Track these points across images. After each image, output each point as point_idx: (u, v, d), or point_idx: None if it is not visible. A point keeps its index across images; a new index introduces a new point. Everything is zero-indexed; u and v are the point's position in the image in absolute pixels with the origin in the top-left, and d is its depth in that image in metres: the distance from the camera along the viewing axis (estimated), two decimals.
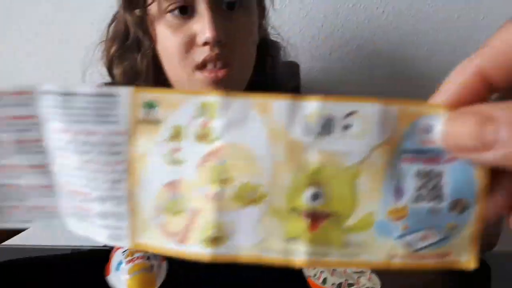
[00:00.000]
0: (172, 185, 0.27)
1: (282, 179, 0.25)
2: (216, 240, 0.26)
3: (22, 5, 0.96)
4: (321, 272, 0.53)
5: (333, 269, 0.54)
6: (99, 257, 0.59)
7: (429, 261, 0.26)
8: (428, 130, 0.25)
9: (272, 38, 0.77)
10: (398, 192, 0.25)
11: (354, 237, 0.26)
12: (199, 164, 0.26)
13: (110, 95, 0.26)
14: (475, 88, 0.23)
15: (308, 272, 0.54)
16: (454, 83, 0.23)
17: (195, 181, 0.26)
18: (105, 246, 0.80)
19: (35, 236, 0.65)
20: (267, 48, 0.74)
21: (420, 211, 0.25)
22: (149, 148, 0.27)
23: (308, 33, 0.95)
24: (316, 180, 0.25)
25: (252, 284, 0.57)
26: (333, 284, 0.52)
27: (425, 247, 0.25)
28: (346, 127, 0.25)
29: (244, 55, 0.64)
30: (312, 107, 0.25)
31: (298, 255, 0.25)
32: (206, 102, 0.26)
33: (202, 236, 0.26)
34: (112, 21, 0.70)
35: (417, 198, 0.25)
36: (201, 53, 0.60)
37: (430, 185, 0.25)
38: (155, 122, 0.26)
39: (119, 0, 0.67)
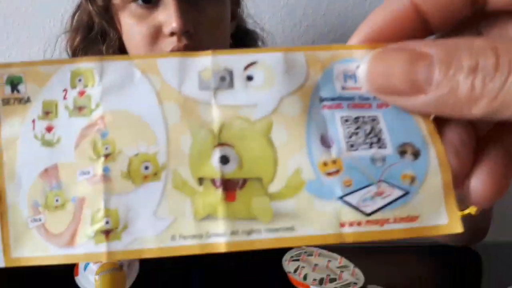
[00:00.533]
0: (47, 173, 0.22)
1: (181, 144, 0.21)
2: (110, 232, 0.21)
3: None
4: (302, 267, 0.51)
5: (314, 264, 0.51)
6: None
7: (393, 228, 0.20)
8: (347, 75, 0.21)
9: (249, 27, 0.74)
10: (325, 141, 0.21)
11: (283, 205, 0.21)
12: (77, 141, 0.22)
13: None
14: (406, 24, 0.19)
15: (288, 268, 0.51)
16: (380, 18, 0.20)
17: (74, 164, 0.22)
18: None
19: None
20: (243, 38, 0.72)
21: (360, 161, 0.21)
22: (18, 132, 0.22)
23: (289, 21, 0.92)
24: (222, 140, 0.21)
25: (229, 282, 0.54)
26: (314, 280, 0.49)
27: (381, 207, 0.20)
28: (248, 79, 0.21)
29: (215, 46, 0.61)
30: (205, 62, 0.21)
31: (217, 237, 0.20)
32: (80, 69, 0.22)
33: (91, 231, 0.21)
34: (76, 10, 0.68)
35: (352, 146, 0.21)
36: (169, 44, 0.58)
37: (364, 131, 0.21)
38: (23, 100, 0.22)
39: None
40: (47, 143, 0.22)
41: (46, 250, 0.22)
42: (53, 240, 0.22)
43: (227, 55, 0.21)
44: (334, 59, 0.21)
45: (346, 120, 0.21)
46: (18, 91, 0.22)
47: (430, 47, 0.18)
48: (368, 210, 0.21)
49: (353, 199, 0.21)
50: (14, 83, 0.22)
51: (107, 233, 0.21)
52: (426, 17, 0.19)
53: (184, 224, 0.21)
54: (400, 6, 0.19)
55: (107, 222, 0.21)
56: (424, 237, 0.20)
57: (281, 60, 0.21)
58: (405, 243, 0.39)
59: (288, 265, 0.52)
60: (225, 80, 0.22)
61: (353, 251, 0.54)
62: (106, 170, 0.21)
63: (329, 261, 0.52)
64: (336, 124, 0.21)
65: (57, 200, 0.22)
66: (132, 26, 0.60)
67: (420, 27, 0.19)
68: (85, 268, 0.51)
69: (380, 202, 0.20)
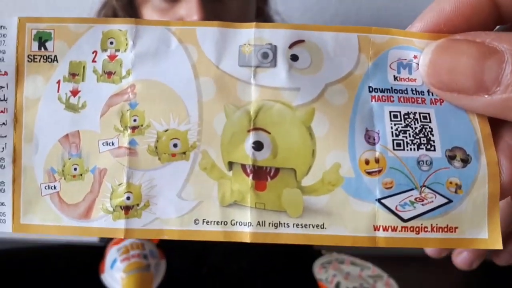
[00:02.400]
0: (68, 139, 0.21)
1: (214, 123, 0.20)
2: (130, 209, 0.20)
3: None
4: (334, 275, 0.49)
5: (346, 272, 0.50)
6: (93, 254, 0.55)
7: (430, 237, 0.19)
8: (402, 64, 0.19)
9: None
10: (370, 137, 0.19)
11: (316, 201, 0.19)
12: (103, 110, 0.20)
13: None
14: (478, 12, 0.17)
15: (319, 275, 0.50)
16: (449, 4, 0.18)
17: (97, 133, 0.20)
18: (101, 240, 0.77)
19: None
20: None
21: (405, 162, 0.19)
22: (41, 92, 0.21)
23: (319, 20, 0.91)
24: (257, 125, 0.20)
25: (257, 286, 0.53)
26: None
27: (420, 214, 0.19)
28: (293, 58, 0.20)
29: None
30: (247, 34, 0.20)
31: (242, 226, 0.19)
32: (112, 31, 0.20)
33: (111, 205, 0.20)
34: (102, 7, 0.68)
35: (398, 145, 0.19)
36: None
37: (414, 129, 0.19)
38: (50, 58, 0.21)
39: None
40: (71, 107, 0.21)
41: (58, 220, 0.21)
42: (66, 211, 0.21)
43: (272, 29, 0.20)
44: (390, 45, 0.20)
45: (395, 116, 0.20)
46: (46, 48, 0.21)
47: (501, 41, 0.16)
48: (406, 216, 0.19)
49: (391, 202, 0.19)
50: (42, 40, 0.21)
51: (127, 209, 0.20)
52: (501, 8, 0.17)
53: (209, 208, 0.20)
54: None
55: (128, 198, 0.20)
56: (460, 248, 0.19)
57: (331, 41, 0.20)
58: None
59: (319, 272, 0.50)
60: (268, 57, 0.20)
61: (386, 260, 0.53)
62: (132, 143, 0.20)
63: (362, 269, 0.51)
64: (384, 118, 0.20)
65: (75, 169, 0.21)
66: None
67: (492, 18, 0.18)
68: (111, 266, 0.50)
69: (420, 209, 0.19)
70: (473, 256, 0.33)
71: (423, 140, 0.19)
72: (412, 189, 0.19)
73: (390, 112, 0.20)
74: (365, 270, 0.51)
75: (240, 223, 0.20)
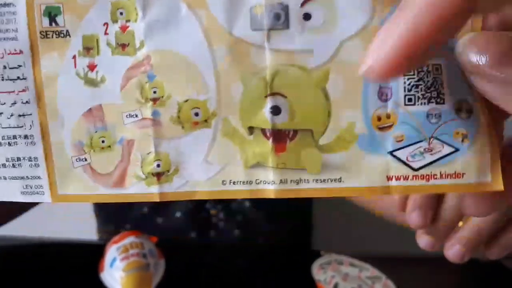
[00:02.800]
0: (92, 113, 0.21)
1: (231, 91, 0.20)
2: (161, 175, 0.21)
3: None
4: (332, 276, 0.49)
5: (345, 273, 0.50)
6: (92, 252, 0.55)
7: (439, 183, 0.20)
8: None
9: None
10: (383, 94, 0.20)
11: (333, 158, 0.21)
12: (123, 82, 0.21)
13: (5, 5, 0.21)
14: None
15: (318, 276, 0.50)
16: None
17: (120, 105, 0.21)
18: (100, 238, 0.77)
19: (19, 225, 0.62)
20: None
21: (415, 117, 0.20)
22: (59, 68, 0.21)
23: None
24: (274, 89, 0.20)
25: (256, 286, 0.53)
26: None
27: (430, 163, 0.20)
28: (305, 17, 0.20)
29: None
30: None
31: (266, 184, 0.21)
32: (121, 1, 0.20)
33: (142, 173, 0.21)
34: None
35: (410, 100, 0.20)
36: None
37: (426, 83, 0.20)
38: (62, 33, 0.21)
39: None
40: (91, 82, 0.21)
41: (94, 189, 0.22)
42: (100, 180, 0.22)
43: None
44: None
45: (409, 82, 0.20)
46: (56, 23, 0.21)
47: None
48: (417, 165, 0.20)
49: (402, 154, 0.20)
50: (52, 15, 0.21)
51: (159, 175, 0.21)
52: None
53: (234, 170, 0.21)
54: None
55: (158, 165, 0.21)
56: (466, 192, 0.21)
57: None
58: (436, 254, 0.37)
59: (318, 273, 0.51)
60: (280, 18, 0.20)
61: (384, 261, 0.53)
62: (155, 114, 0.21)
63: (360, 271, 0.51)
64: (399, 82, 0.20)
65: (103, 141, 0.22)
66: None
67: None
68: (111, 265, 0.50)
69: (429, 158, 0.20)
70: (464, 249, 0.33)
71: (434, 94, 0.20)
72: (421, 141, 0.20)
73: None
74: (363, 271, 0.51)
75: (264, 182, 0.21)
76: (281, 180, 0.21)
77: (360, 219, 0.68)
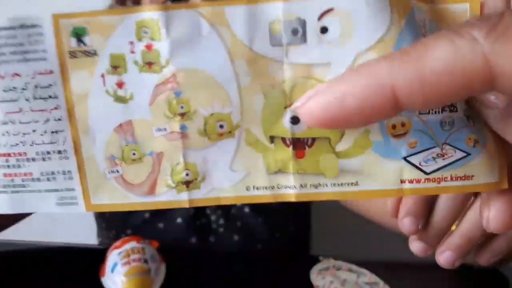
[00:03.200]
0: (122, 128, 0.22)
1: (253, 104, 0.22)
2: (190, 183, 0.23)
3: None
4: (331, 282, 0.50)
5: (343, 279, 0.51)
6: (93, 257, 0.56)
7: (449, 185, 0.21)
8: (420, 24, 0.20)
9: None
10: None
11: (349, 163, 0.22)
12: (151, 99, 0.22)
13: (31, 26, 0.21)
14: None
15: (317, 282, 0.51)
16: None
17: (149, 121, 0.22)
18: (99, 244, 0.78)
19: (19, 230, 0.62)
20: None
21: (429, 125, 0.21)
22: (88, 86, 0.22)
23: None
24: (293, 100, 0.21)
25: None
26: None
27: (442, 167, 0.21)
28: (322, 31, 0.20)
29: None
30: (276, 10, 0.20)
31: (287, 189, 0.22)
32: (144, 20, 0.21)
33: (172, 182, 0.23)
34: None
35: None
36: None
37: None
38: (90, 52, 0.22)
39: None
40: (120, 99, 0.22)
41: (126, 198, 0.23)
42: (132, 190, 0.23)
43: (299, 0, 0.20)
44: (413, 3, 0.20)
45: None
46: (84, 43, 0.22)
47: None
48: (429, 169, 0.21)
49: (416, 159, 0.21)
50: (79, 35, 0.22)
51: (188, 183, 0.23)
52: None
53: (257, 177, 0.23)
54: None
55: (187, 174, 0.23)
56: (475, 191, 0.22)
57: (363, 4, 0.20)
58: (433, 260, 0.38)
59: (316, 279, 0.51)
60: (298, 33, 0.21)
61: (382, 267, 0.53)
62: (183, 127, 0.22)
63: (358, 276, 0.51)
64: None
65: (134, 154, 0.23)
66: None
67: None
68: (112, 270, 0.51)
69: (441, 163, 0.21)
70: (455, 255, 0.34)
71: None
72: (434, 147, 0.21)
73: None
74: (361, 276, 0.51)
75: (286, 187, 0.22)
76: (301, 184, 0.22)
77: (358, 225, 0.68)
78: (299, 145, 0.22)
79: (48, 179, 0.23)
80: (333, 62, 0.21)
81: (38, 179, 0.23)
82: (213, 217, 0.73)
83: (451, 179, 0.21)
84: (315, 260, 0.54)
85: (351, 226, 0.79)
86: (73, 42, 0.22)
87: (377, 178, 0.22)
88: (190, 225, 0.72)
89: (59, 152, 0.23)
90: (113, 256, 0.51)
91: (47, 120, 0.22)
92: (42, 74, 0.22)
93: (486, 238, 0.36)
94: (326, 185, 0.22)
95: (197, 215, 0.73)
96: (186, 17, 0.21)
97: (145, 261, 0.51)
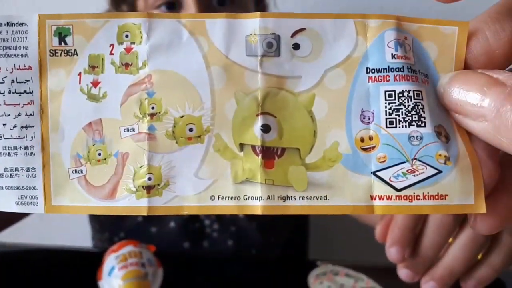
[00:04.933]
0: (91, 126, 0.22)
1: (225, 109, 0.22)
2: (151, 189, 0.22)
3: None
4: (328, 287, 0.50)
5: (341, 284, 0.51)
6: (87, 259, 0.55)
7: (422, 204, 0.21)
8: (399, 43, 0.21)
9: None
10: (365, 117, 0.21)
11: (319, 176, 0.22)
12: (123, 99, 0.22)
13: (18, 24, 0.22)
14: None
15: (314, 287, 0.51)
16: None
17: (118, 120, 0.22)
18: (93, 247, 0.77)
19: (13, 232, 0.62)
20: None
21: (397, 139, 0.21)
22: (64, 84, 0.22)
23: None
24: (265, 109, 0.22)
25: None
26: None
27: (412, 184, 0.21)
28: (295, 47, 0.21)
29: None
30: (252, 25, 0.21)
31: (254, 200, 0.22)
32: (127, 25, 0.22)
33: (134, 186, 0.22)
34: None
35: (391, 123, 0.21)
36: None
37: (407, 107, 0.21)
38: (70, 52, 0.22)
39: None
40: (93, 98, 0.22)
41: (86, 201, 0.22)
42: (93, 192, 0.22)
43: (275, 18, 0.21)
44: (385, 27, 0.21)
45: (390, 95, 0.21)
46: (65, 42, 0.22)
47: (509, 78, 0.18)
48: (399, 186, 0.21)
49: (385, 174, 0.21)
50: (62, 35, 0.22)
51: (149, 188, 0.22)
52: None
53: (223, 186, 0.22)
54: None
55: (149, 179, 0.22)
56: (450, 213, 0.22)
57: (330, 28, 0.21)
58: None
59: (314, 284, 0.51)
60: (272, 47, 0.21)
61: (379, 272, 0.54)
62: (151, 128, 0.22)
63: (356, 281, 0.52)
64: (380, 98, 0.21)
65: (99, 154, 0.22)
66: None
67: None
68: (109, 274, 0.50)
69: (412, 179, 0.21)
70: (438, 285, 0.36)
71: (415, 117, 0.21)
72: (404, 162, 0.21)
73: (386, 91, 0.21)
74: (359, 282, 0.52)
75: (252, 198, 0.22)
76: (268, 196, 0.22)
77: (355, 229, 0.68)
78: (268, 154, 0.22)
79: (11, 176, 0.23)
80: (303, 76, 0.22)
81: (2, 175, 0.23)
82: (207, 222, 0.73)
83: (424, 197, 0.21)
84: (313, 265, 0.54)
85: (348, 231, 0.79)
86: (55, 41, 0.22)
87: (347, 193, 0.22)
88: (183, 229, 0.72)
89: (26, 148, 0.22)
90: (110, 260, 0.51)
91: (19, 115, 0.22)
92: (20, 70, 0.22)
93: (472, 266, 0.37)
94: (294, 198, 0.22)
95: (191, 220, 0.73)
96: (167, 25, 0.22)
97: (143, 265, 0.51)
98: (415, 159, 0.21)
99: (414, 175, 0.21)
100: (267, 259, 0.65)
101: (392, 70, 0.21)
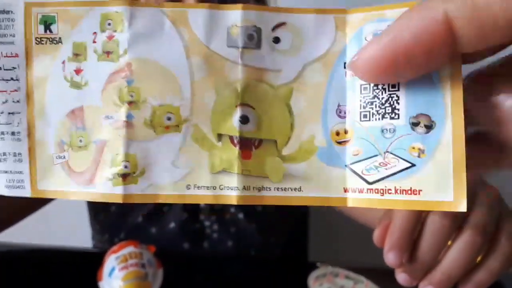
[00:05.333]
0: (74, 114, 0.23)
1: (204, 100, 0.22)
2: (127, 176, 0.22)
3: None
4: None
5: (340, 286, 0.51)
6: (89, 259, 0.55)
7: (394, 198, 0.20)
8: (379, 33, 0.20)
9: None
10: (341, 111, 0.22)
11: (295, 168, 0.22)
12: (104, 86, 0.22)
13: (4, 12, 0.22)
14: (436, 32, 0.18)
15: None
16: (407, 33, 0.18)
17: (99, 108, 0.22)
18: (95, 246, 0.77)
19: (13, 232, 0.62)
20: None
21: (370, 132, 0.21)
22: (48, 71, 0.23)
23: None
24: (244, 100, 0.22)
25: None
26: None
27: (384, 178, 0.20)
28: (275, 41, 0.22)
29: None
30: (234, 17, 0.22)
31: (229, 190, 0.22)
32: (110, 13, 0.22)
33: (110, 173, 0.22)
34: None
35: (365, 116, 0.21)
36: None
37: (381, 99, 0.21)
38: (55, 40, 0.23)
39: None
40: (76, 85, 0.23)
41: (68, 185, 0.23)
42: (75, 178, 0.23)
43: (257, 11, 0.22)
44: (365, 20, 0.21)
45: (365, 88, 0.21)
46: (50, 30, 0.23)
47: None
48: (371, 179, 0.21)
49: (358, 167, 0.21)
50: (47, 23, 0.23)
51: (125, 176, 0.22)
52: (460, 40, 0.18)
53: (199, 175, 0.22)
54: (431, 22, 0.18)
55: (125, 166, 0.22)
56: (425, 210, 0.21)
57: (311, 23, 0.22)
58: None
59: (314, 285, 0.52)
60: (253, 39, 0.22)
61: (379, 274, 0.54)
62: (129, 116, 0.22)
63: (355, 283, 0.52)
64: (355, 92, 0.21)
65: (80, 141, 0.23)
66: None
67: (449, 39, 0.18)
68: (110, 274, 0.50)
69: (383, 173, 0.21)
70: None
71: (388, 110, 0.21)
72: (376, 155, 0.21)
73: (361, 85, 0.21)
74: (358, 284, 0.52)
75: (228, 188, 0.22)
76: (244, 186, 0.22)
77: (355, 231, 0.69)
78: (246, 145, 0.22)
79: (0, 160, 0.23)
80: (283, 69, 0.22)
81: None
82: (207, 223, 0.73)
83: (396, 191, 0.20)
84: (312, 267, 0.55)
85: (348, 233, 0.79)
86: (41, 29, 0.23)
87: (321, 185, 0.22)
88: (183, 230, 0.72)
89: (13, 133, 0.23)
90: (111, 261, 0.51)
91: (6, 101, 0.23)
92: (7, 57, 0.23)
93: (470, 270, 0.37)
94: (270, 189, 0.22)
95: (191, 220, 0.73)
96: (149, 14, 0.22)
97: (143, 265, 0.51)
98: (388, 152, 0.21)
99: (386, 168, 0.21)
100: (266, 260, 0.65)
101: None
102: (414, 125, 0.20)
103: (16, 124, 0.23)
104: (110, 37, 0.22)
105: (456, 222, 0.36)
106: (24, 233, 0.65)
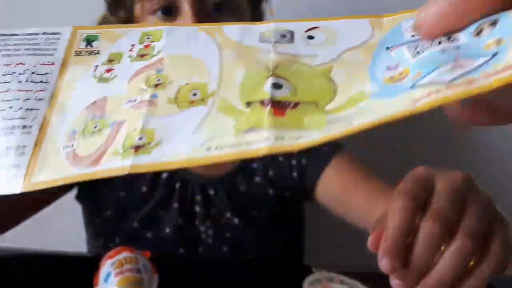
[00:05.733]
0: (95, 104, 0.23)
1: (233, 76, 0.22)
2: (140, 147, 0.21)
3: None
4: None
5: None
6: (84, 264, 0.55)
7: (454, 91, 0.16)
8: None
9: None
10: (391, 68, 0.20)
11: (341, 115, 0.19)
12: (131, 77, 0.23)
13: (52, 33, 0.24)
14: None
15: None
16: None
17: (122, 96, 0.23)
18: (90, 251, 0.77)
19: (9, 237, 0.62)
20: None
21: (428, 56, 0.19)
22: (81, 75, 0.24)
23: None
24: (277, 73, 0.21)
25: None
26: None
27: (466, 73, 0.17)
28: (309, 38, 0.22)
29: None
30: (267, 26, 0.23)
31: (259, 143, 0.19)
32: (150, 31, 0.24)
33: (122, 147, 0.21)
34: (100, 22, 0.69)
35: (418, 53, 0.19)
36: None
37: (434, 43, 0.19)
38: (94, 52, 0.24)
39: (105, 2, 0.67)
40: (103, 80, 0.24)
41: (67, 171, 0.22)
42: (78, 162, 0.22)
43: (290, 22, 0.23)
44: (400, 19, 0.21)
45: (411, 47, 0.20)
46: (91, 46, 0.24)
47: None
48: (449, 78, 0.17)
49: (426, 80, 0.18)
50: (90, 40, 0.24)
51: (137, 148, 0.21)
52: None
53: (222, 138, 0.20)
54: None
55: (140, 138, 0.21)
56: None
57: (344, 26, 0.22)
58: None
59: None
60: (286, 37, 0.22)
61: (374, 278, 0.54)
62: (153, 96, 0.22)
63: None
64: (404, 53, 0.20)
65: (95, 127, 0.23)
66: None
67: None
68: (105, 280, 0.50)
69: (461, 70, 0.17)
70: None
71: (443, 39, 0.18)
72: (446, 64, 0.18)
73: (408, 46, 0.20)
74: None
75: (256, 142, 0.19)
76: (276, 137, 0.19)
77: (351, 236, 0.69)
78: (278, 105, 0.20)
79: (4, 155, 0.23)
80: (319, 54, 0.22)
81: (7, 155, 0.23)
82: (202, 228, 0.73)
83: (457, 86, 0.17)
84: (308, 272, 0.55)
85: (344, 238, 0.79)
86: (82, 45, 0.24)
87: (379, 112, 0.18)
88: (178, 235, 0.72)
89: (24, 126, 0.23)
90: (106, 266, 0.51)
91: (28, 99, 0.23)
92: (44, 65, 0.24)
93: (462, 275, 0.37)
94: (310, 135, 0.19)
95: (186, 226, 0.73)
96: (186, 30, 0.24)
97: (138, 271, 0.51)
98: (459, 58, 0.18)
99: (462, 68, 0.17)
100: (262, 265, 0.65)
101: (415, 41, 0.20)
102: (479, 34, 0.18)
103: (31, 119, 0.23)
104: (147, 46, 0.24)
105: (448, 228, 0.36)
106: (19, 238, 0.64)
